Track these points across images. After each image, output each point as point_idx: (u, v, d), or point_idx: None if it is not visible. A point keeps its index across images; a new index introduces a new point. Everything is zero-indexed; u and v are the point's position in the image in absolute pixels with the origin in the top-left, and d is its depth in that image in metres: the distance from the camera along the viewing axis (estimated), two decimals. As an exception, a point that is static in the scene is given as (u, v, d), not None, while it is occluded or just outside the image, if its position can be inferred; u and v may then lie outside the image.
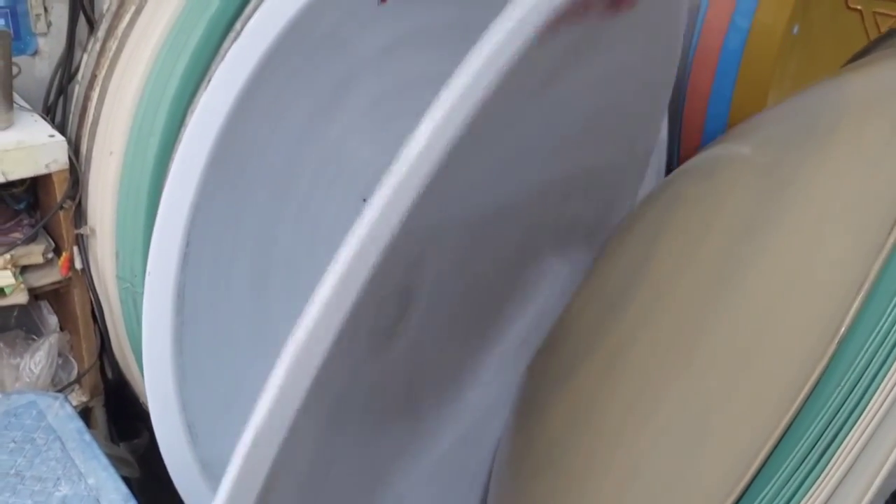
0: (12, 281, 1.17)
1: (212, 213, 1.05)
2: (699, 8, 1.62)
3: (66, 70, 1.29)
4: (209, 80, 1.04)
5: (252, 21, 1.01)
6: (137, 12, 1.15)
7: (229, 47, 1.03)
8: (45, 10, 1.26)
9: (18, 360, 1.27)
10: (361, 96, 1.22)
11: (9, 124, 1.15)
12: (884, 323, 0.65)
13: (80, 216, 1.19)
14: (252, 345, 1.24)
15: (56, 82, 1.29)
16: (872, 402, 0.62)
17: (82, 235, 1.19)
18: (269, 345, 1.28)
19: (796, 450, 0.64)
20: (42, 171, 1.14)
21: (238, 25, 1.04)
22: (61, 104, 1.31)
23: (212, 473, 1.16)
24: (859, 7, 1.72)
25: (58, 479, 1.05)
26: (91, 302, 1.25)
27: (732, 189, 0.99)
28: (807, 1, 1.56)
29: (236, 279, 1.17)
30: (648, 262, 1.07)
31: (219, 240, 1.10)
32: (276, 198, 1.17)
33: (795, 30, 1.60)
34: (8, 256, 1.16)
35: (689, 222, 1.03)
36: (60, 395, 1.17)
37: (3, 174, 1.11)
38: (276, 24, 1.01)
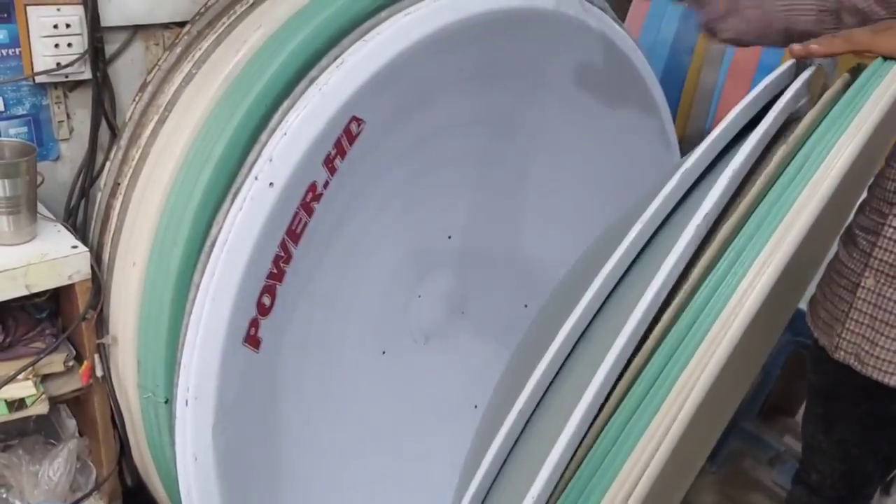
0: (33, 391, 1.16)
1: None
2: (714, 86, 1.63)
3: (89, 174, 1.30)
4: (235, 193, 1.04)
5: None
6: (160, 122, 1.16)
7: (255, 160, 1.04)
8: (68, 116, 1.28)
9: (37, 466, 1.25)
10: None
11: (32, 236, 1.15)
12: None
13: (101, 324, 1.19)
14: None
15: (78, 186, 1.30)
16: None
17: (104, 344, 1.18)
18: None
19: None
20: (65, 282, 1.14)
21: (263, 137, 1.04)
22: (83, 206, 1.31)
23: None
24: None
25: None
26: (111, 408, 1.23)
27: None
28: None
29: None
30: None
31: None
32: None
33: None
34: (30, 368, 1.15)
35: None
36: (80, 509, 1.16)
37: (27, 287, 1.11)
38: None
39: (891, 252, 1.01)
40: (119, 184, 1.19)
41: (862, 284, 1.04)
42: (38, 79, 1.21)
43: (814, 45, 0.89)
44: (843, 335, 1.08)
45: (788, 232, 0.71)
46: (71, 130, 1.29)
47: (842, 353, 1.08)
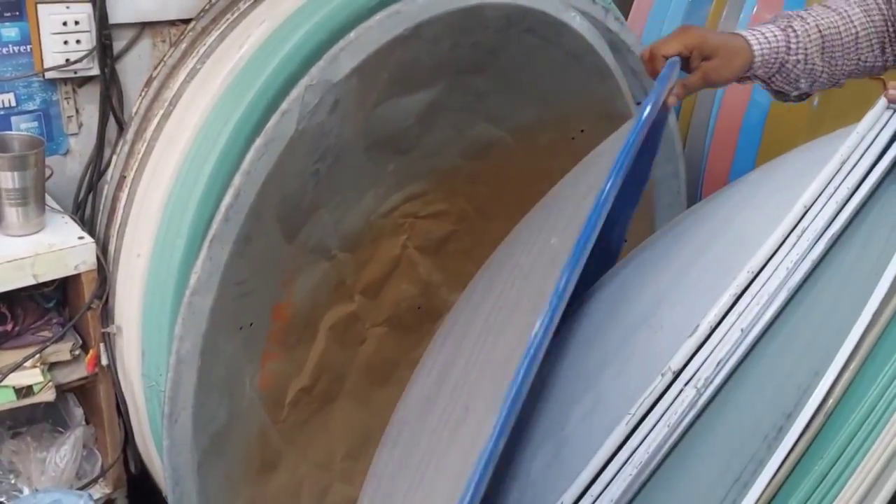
0: (41, 379, 1.19)
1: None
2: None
3: (97, 168, 1.32)
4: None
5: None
6: (165, 117, 1.19)
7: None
8: (77, 111, 1.30)
9: (45, 454, 1.28)
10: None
11: (40, 227, 1.18)
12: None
13: (107, 314, 1.21)
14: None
15: (86, 180, 1.33)
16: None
17: (109, 333, 1.21)
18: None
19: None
20: (71, 272, 1.16)
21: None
22: (90, 199, 1.34)
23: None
24: (881, 77, 1.71)
25: (83, 582, 1.05)
26: (116, 397, 1.26)
27: None
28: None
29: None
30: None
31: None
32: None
33: (815, 102, 1.59)
34: (37, 356, 1.17)
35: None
36: (85, 494, 1.17)
37: (35, 277, 1.14)
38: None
39: None
40: (125, 177, 1.21)
41: None
42: (48, 75, 1.24)
43: None
44: None
45: None
46: (80, 125, 1.31)
47: None
